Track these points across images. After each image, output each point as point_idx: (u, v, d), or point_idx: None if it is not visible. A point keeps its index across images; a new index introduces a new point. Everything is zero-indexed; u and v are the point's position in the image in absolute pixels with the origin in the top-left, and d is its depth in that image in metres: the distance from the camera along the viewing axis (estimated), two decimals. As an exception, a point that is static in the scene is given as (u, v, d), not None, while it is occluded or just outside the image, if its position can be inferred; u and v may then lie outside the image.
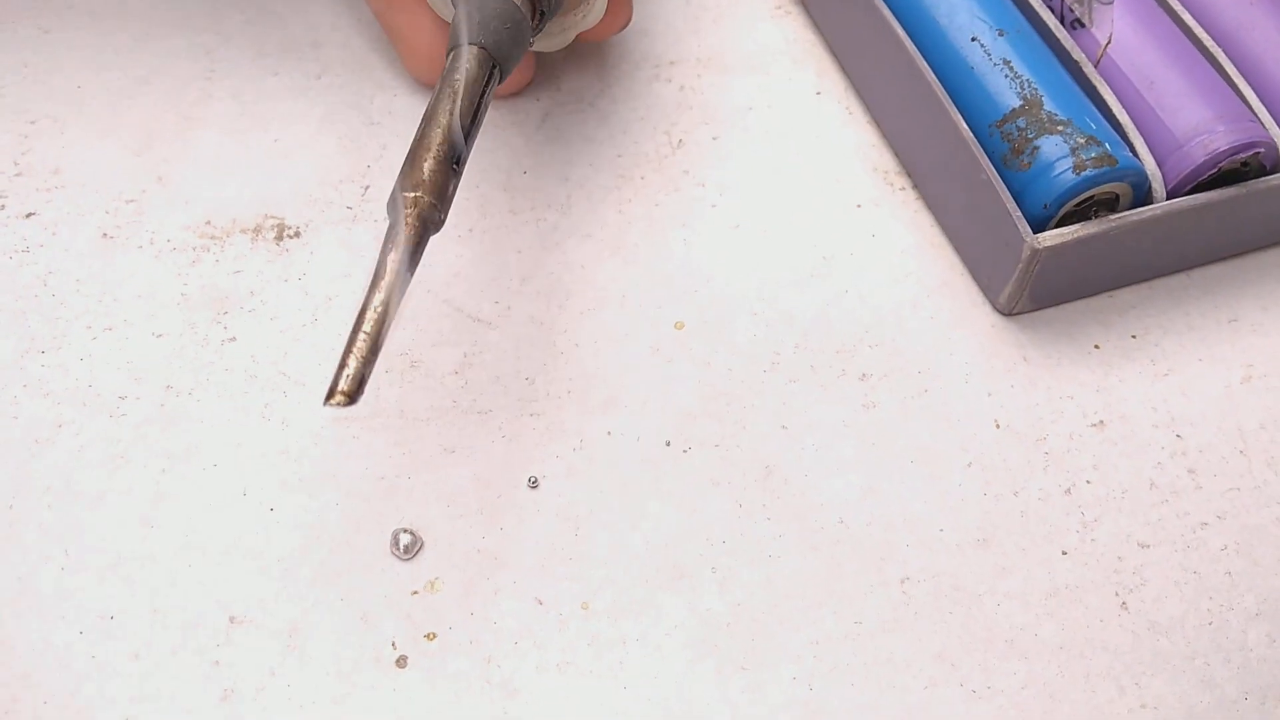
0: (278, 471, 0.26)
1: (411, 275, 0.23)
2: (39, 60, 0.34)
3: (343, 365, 0.21)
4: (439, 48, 0.31)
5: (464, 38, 0.26)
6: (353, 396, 0.21)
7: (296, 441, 0.27)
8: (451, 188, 0.24)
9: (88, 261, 0.30)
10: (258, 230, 0.30)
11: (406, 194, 0.23)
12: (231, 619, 0.24)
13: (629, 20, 0.32)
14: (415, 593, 0.25)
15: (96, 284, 0.29)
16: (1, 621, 0.24)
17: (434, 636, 0.24)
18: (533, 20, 0.27)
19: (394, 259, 0.22)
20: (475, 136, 0.25)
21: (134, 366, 0.28)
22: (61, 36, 0.35)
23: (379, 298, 0.22)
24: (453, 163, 0.24)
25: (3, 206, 0.31)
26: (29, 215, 0.31)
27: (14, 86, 0.33)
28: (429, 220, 0.23)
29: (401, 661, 0.24)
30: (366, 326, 0.22)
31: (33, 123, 0.33)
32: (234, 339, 0.28)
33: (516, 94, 0.33)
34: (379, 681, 0.24)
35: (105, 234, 0.30)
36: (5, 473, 0.26)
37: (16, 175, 0.31)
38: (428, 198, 0.23)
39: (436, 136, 0.24)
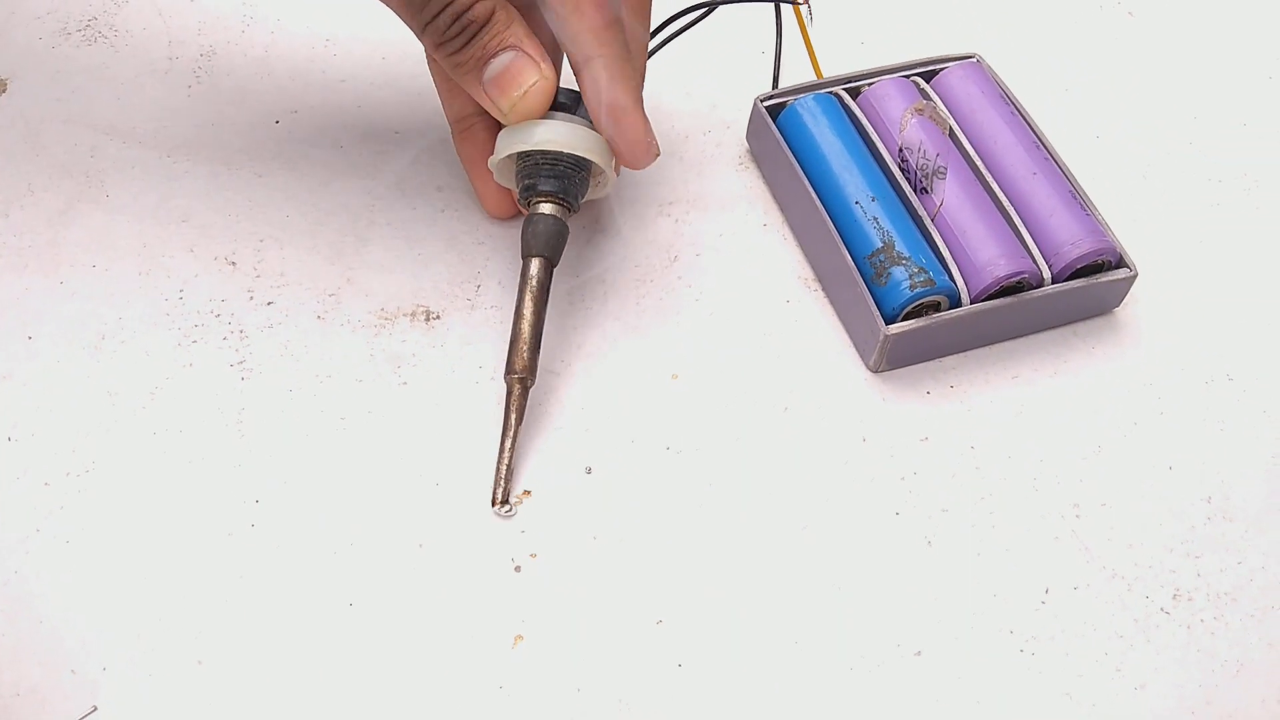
0: (436, 452, 0.45)
1: (521, 423, 0.44)
2: (260, 196, 0.52)
3: (496, 484, 0.43)
4: (503, 198, 0.50)
5: (531, 250, 0.45)
6: (507, 500, 0.43)
7: (449, 442, 0.45)
8: (536, 360, 0.44)
9: (310, 334, 0.48)
10: (414, 314, 0.49)
11: (512, 376, 0.44)
12: (420, 545, 0.43)
13: (656, 154, 0.44)
14: (523, 532, 0.43)
15: (317, 348, 0.48)
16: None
17: (535, 555, 0.43)
18: (570, 216, 0.46)
19: (513, 416, 0.44)
20: (544, 315, 0.45)
21: (347, 401, 0.46)
22: (272, 180, 0.53)
23: (509, 441, 0.44)
24: (536, 345, 0.44)
25: (251, 297, 0.49)
26: (269, 303, 0.49)
27: (246, 216, 0.52)
28: (527, 387, 0.44)
29: (518, 568, 0.43)
30: (505, 459, 0.43)
31: (261, 240, 0.51)
32: (405, 384, 0.47)
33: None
34: (506, 577, 0.42)
35: (319, 316, 0.49)
36: (287, 466, 0.44)
37: (257, 276, 0.50)
38: (525, 376, 0.44)
39: (525, 331, 0.44)
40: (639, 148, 0.43)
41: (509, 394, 0.44)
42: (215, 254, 0.50)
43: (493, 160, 0.46)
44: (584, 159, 0.45)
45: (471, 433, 0.46)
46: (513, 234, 0.51)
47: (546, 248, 0.45)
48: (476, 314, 0.49)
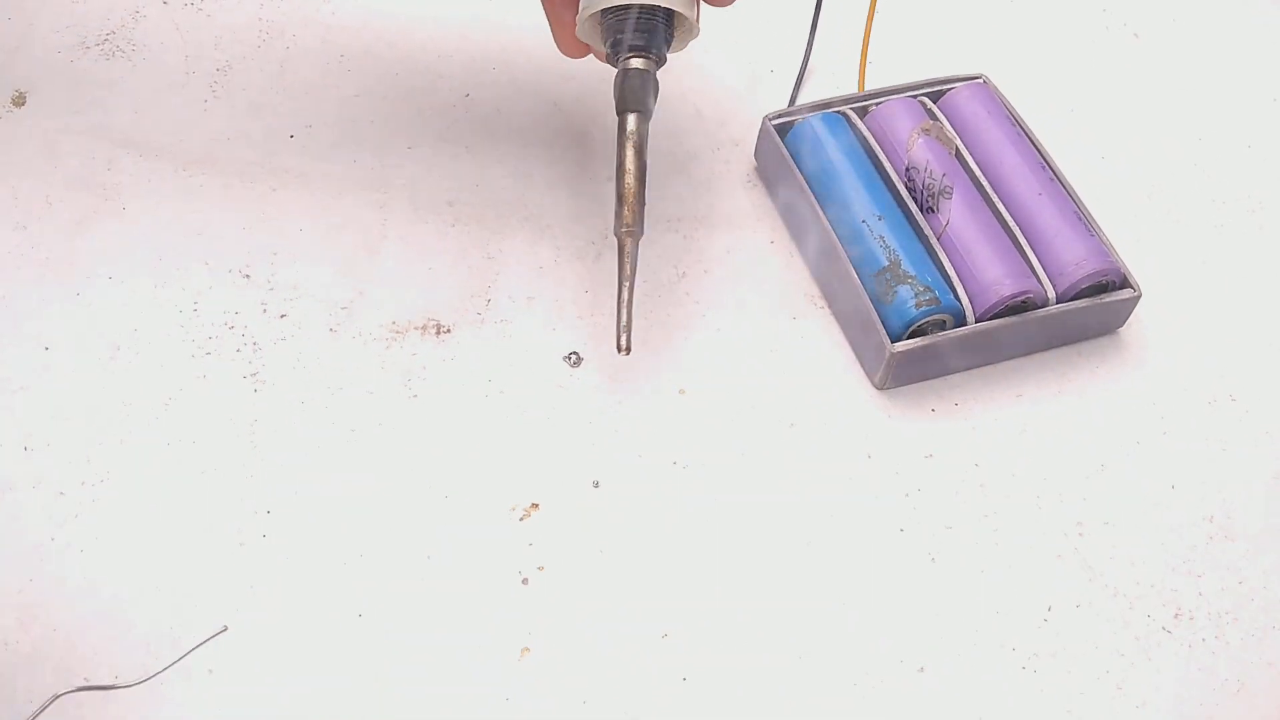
0: (445, 465, 0.45)
1: (635, 274, 0.45)
2: (273, 210, 0.53)
3: (619, 334, 0.44)
4: (577, 40, 0.47)
5: (627, 105, 0.45)
6: (629, 348, 0.44)
7: (459, 454, 0.46)
8: (643, 212, 0.45)
9: (322, 346, 0.49)
10: (424, 328, 0.50)
11: (622, 231, 0.45)
12: (428, 557, 0.43)
13: None
14: (531, 544, 0.44)
15: (329, 361, 0.48)
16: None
17: (543, 569, 0.43)
18: (659, 68, 0.45)
19: (628, 268, 0.45)
20: (646, 166, 0.45)
21: (358, 413, 0.47)
22: (285, 195, 0.53)
23: (625, 293, 0.45)
24: (642, 198, 0.45)
25: (264, 310, 0.50)
26: (282, 316, 0.50)
27: (260, 229, 0.52)
28: (637, 239, 0.45)
29: (525, 581, 0.43)
30: (624, 310, 0.45)
31: (275, 254, 0.52)
32: (416, 396, 0.47)
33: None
34: (513, 589, 0.43)
35: (331, 329, 0.49)
36: (276, 465, 0.45)
37: (270, 290, 0.50)
38: (634, 229, 0.45)
39: (631, 185, 0.45)
40: None
41: (620, 249, 0.45)
42: (229, 266, 0.51)
43: (581, 14, 0.45)
44: (671, 9, 0.44)
45: (480, 445, 0.46)
46: (520, 250, 0.52)
47: (640, 102, 0.45)
48: (486, 328, 0.50)
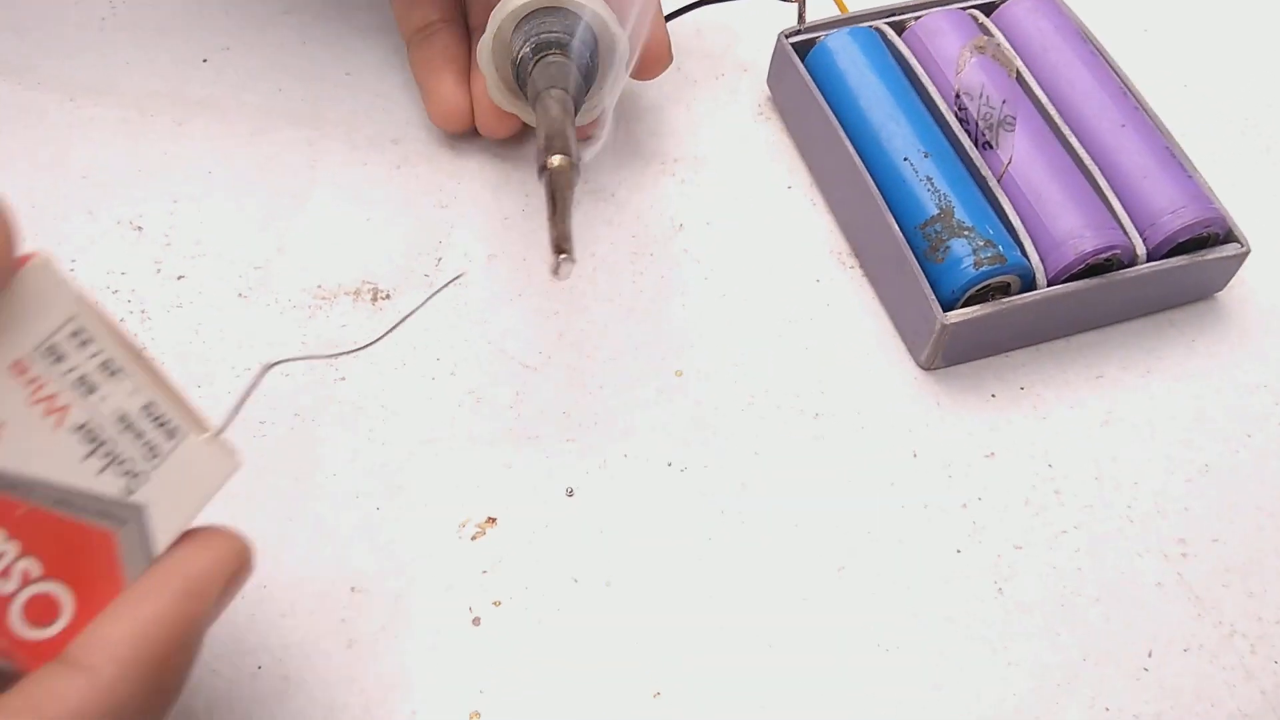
0: (382, 480, 0.36)
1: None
2: (176, 149, 0.43)
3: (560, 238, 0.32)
4: (457, 104, 0.42)
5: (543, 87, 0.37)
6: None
7: (395, 456, 0.36)
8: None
9: (228, 315, 0.39)
10: (357, 293, 0.40)
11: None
12: (352, 589, 0.34)
13: (669, 61, 0.41)
14: (485, 571, 0.34)
15: (236, 333, 0.39)
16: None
17: (499, 603, 0.34)
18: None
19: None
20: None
21: (268, 399, 0.37)
22: (193, 128, 0.44)
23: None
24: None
25: (159, 270, 0.40)
26: (180, 278, 0.40)
27: (159, 172, 0.42)
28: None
29: (476, 621, 0.34)
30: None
31: (175, 201, 0.42)
32: (344, 379, 0.38)
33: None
34: (460, 633, 0.33)
35: (240, 294, 0.40)
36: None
37: (167, 245, 0.41)
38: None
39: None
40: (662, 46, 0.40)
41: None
42: (118, 217, 0.41)
43: (485, 38, 0.39)
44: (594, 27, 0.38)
45: (424, 443, 0.37)
46: (481, 198, 0.42)
47: (565, 85, 0.37)
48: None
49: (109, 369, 0.25)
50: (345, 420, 0.37)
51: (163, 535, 0.26)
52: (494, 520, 0.35)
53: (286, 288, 0.40)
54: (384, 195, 0.42)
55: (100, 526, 0.25)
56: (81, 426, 0.25)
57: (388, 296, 0.40)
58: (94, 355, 0.25)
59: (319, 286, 0.40)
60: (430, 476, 0.36)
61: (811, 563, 0.35)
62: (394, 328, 0.31)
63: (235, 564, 0.26)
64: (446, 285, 0.32)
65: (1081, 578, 0.35)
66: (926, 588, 0.35)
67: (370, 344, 0.30)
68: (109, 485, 0.25)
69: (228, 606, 0.27)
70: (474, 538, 0.35)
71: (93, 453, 0.25)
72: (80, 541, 0.25)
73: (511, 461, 0.36)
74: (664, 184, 0.43)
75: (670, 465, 0.37)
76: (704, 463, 0.37)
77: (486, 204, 0.42)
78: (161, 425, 0.26)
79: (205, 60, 0.46)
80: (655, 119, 0.45)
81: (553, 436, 0.37)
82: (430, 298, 0.31)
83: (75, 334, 0.25)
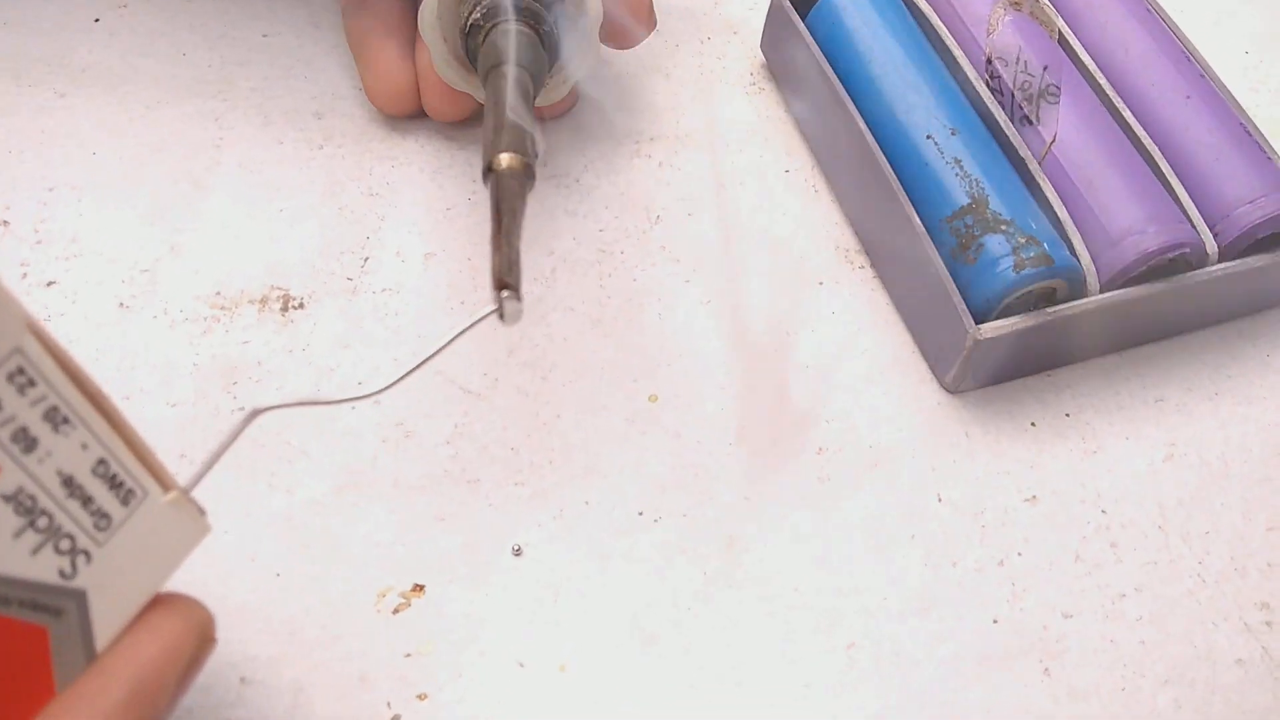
0: (284, 538, 0.29)
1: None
2: (55, 126, 0.36)
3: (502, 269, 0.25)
4: (399, 81, 0.35)
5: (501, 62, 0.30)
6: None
7: (300, 509, 0.29)
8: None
9: (106, 331, 0.32)
10: (264, 301, 0.33)
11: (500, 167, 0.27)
12: (242, 679, 0.27)
13: (653, 25, 0.35)
14: (409, 655, 0.28)
15: (115, 353, 0.32)
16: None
17: (425, 697, 0.27)
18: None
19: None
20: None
21: (150, 436, 0.30)
22: (76, 101, 0.37)
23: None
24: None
25: (25, 275, 0.33)
26: (50, 284, 0.33)
27: (32, 153, 0.36)
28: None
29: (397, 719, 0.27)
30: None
31: (50, 190, 0.35)
32: (243, 409, 0.31)
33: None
34: (376, 736, 0.27)
35: (122, 303, 0.33)
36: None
37: (37, 243, 0.34)
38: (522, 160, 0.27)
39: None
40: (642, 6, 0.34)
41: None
42: (-21, 209, 0.34)
43: (429, 1, 0.32)
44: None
45: (340, 490, 0.30)
46: (418, 184, 0.35)
47: (522, 60, 0.30)
48: (360, 300, 0.33)
49: (54, 419, 0.20)
50: (239, 461, 0.30)
51: (110, 624, 0.20)
52: (421, 589, 0.28)
53: (178, 295, 0.33)
54: (302, 180, 0.35)
55: (30, 621, 0.19)
56: (14, 495, 0.19)
57: (301, 305, 0.33)
58: (37, 402, 0.19)
59: (217, 294, 0.33)
60: (343, 533, 0.29)
61: (815, 639, 0.28)
62: (415, 369, 0.23)
63: (192, 645, 0.21)
64: (481, 320, 0.24)
65: (1146, 654, 0.29)
66: (957, 669, 0.28)
67: (383, 389, 0.23)
68: (44, 568, 0.19)
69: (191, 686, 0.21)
70: (396, 611, 0.28)
71: (26, 527, 0.19)
72: (3, 642, 0.19)
73: (445, 513, 0.30)
74: (638, 167, 0.37)
75: (641, 515, 0.30)
76: (682, 511, 0.30)
77: (425, 191, 0.35)
78: (116, 486, 0.20)
79: (97, 20, 0.39)
80: (627, 90, 0.38)
81: (497, 480, 0.30)
82: (461, 334, 0.24)
83: (14, 375, 0.19)
